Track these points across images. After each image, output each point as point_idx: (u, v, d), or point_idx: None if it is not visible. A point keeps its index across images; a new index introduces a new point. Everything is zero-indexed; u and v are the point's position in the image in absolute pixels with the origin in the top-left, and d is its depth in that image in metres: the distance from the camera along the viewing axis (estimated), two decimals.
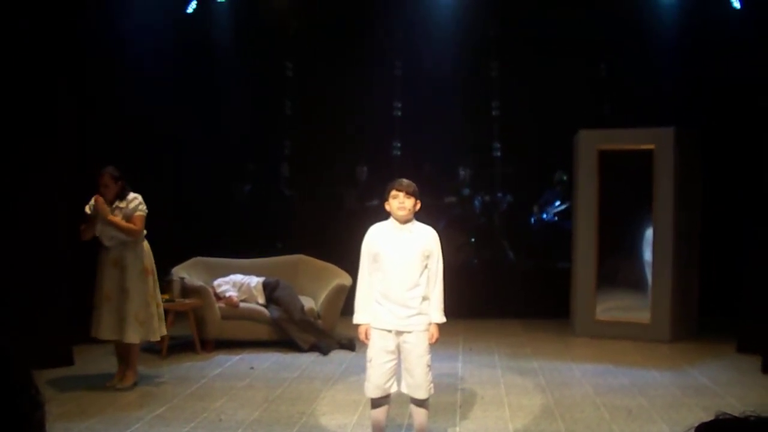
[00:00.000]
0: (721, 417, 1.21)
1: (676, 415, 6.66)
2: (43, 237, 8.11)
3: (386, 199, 5.50)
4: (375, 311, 5.45)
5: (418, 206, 5.48)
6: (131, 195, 7.54)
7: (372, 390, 5.48)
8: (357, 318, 5.55)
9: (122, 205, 7.46)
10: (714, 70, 10.18)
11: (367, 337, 5.48)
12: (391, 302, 5.39)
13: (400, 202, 5.40)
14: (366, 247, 5.54)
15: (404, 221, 5.45)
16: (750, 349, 8.89)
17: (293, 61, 12.24)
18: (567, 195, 11.73)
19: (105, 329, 7.38)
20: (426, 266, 5.44)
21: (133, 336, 7.39)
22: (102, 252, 7.47)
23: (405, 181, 5.49)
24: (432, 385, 5.52)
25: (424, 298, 5.43)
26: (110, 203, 7.44)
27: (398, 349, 5.44)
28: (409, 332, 5.39)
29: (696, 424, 1.27)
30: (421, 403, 5.51)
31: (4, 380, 1.18)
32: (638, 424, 6.49)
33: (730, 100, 10.05)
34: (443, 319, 5.50)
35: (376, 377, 5.42)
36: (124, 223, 7.41)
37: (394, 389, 5.50)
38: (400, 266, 5.38)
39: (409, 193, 5.40)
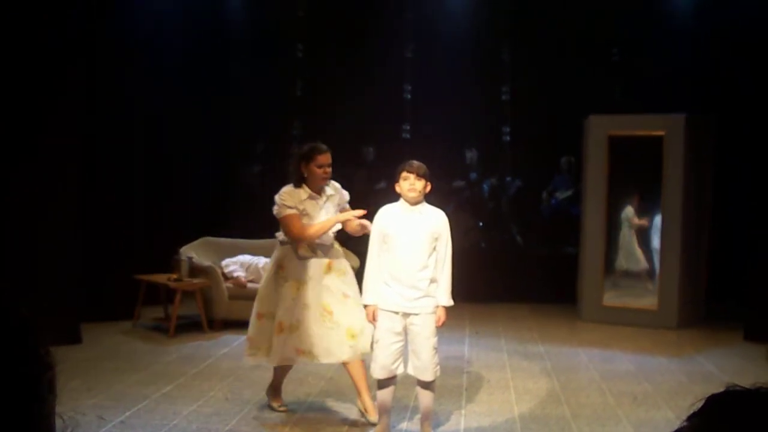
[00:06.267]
0: (731, 389, 1.22)
1: (681, 401, 6.65)
2: (51, 215, 8.12)
3: (397, 181, 5.48)
4: (383, 292, 5.44)
5: (429, 188, 5.46)
6: (335, 183, 6.24)
7: (378, 371, 5.48)
8: (364, 299, 5.55)
9: (332, 192, 6.13)
10: (729, 56, 10.11)
11: (374, 319, 5.49)
12: (399, 284, 5.37)
13: (410, 183, 5.38)
14: (375, 228, 5.53)
15: (414, 203, 5.43)
16: (757, 337, 8.87)
17: (304, 43, 12.20)
18: (575, 181, 11.69)
19: (337, 349, 5.93)
20: (435, 249, 5.43)
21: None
22: (309, 262, 5.99)
23: (416, 162, 5.45)
24: (438, 367, 5.51)
25: (432, 281, 5.41)
26: (324, 189, 6.10)
27: (405, 331, 5.44)
28: (416, 314, 5.38)
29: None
30: (427, 386, 5.51)
31: (12, 339, 1.18)
32: (643, 409, 6.51)
33: (745, 86, 9.96)
34: (450, 303, 5.48)
35: (383, 358, 5.43)
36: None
37: (400, 371, 5.51)
38: (409, 248, 5.37)
39: (419, 175, 5.38)
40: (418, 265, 5.37)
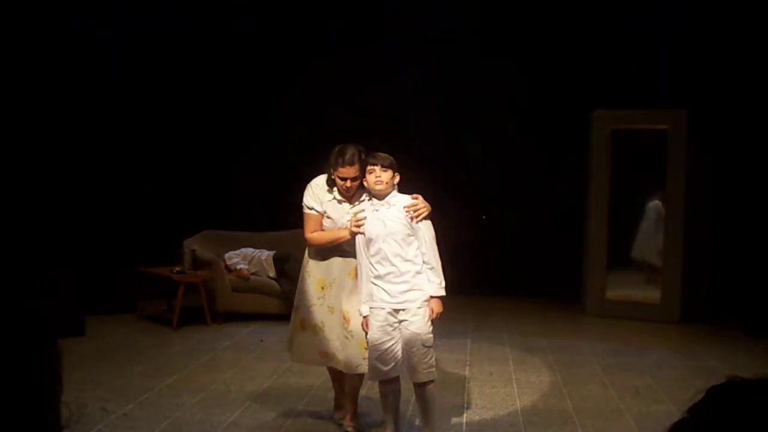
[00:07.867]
0: (732, 380, 1.22)
1: (683, 395, 6.58)
2: (54, 208, 8.14)
3: (363, 176, 5.23)
4: (372, 292, 5.17)
5: (398, 179, 5.20)
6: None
7: (373, 373, 5.24)
8: (361, 310, 5.26)
9: (364, 198, 5.51)
10: (729, 54, 10.08)
11: (367, 326, 5.21)
12: (383, 280, 5.11)
13: (376, 176, 5.11)
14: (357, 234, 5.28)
15: (383, 196, 5.18)
16: (760, 332, 8.87)
17: (306, 35, 12.17)
18: (577, 174, 11.65)
19: (355, 362, 5.46)
20: (414, 238, 5.15)
21: None
22: (335, 262, 5.58)
23: (381, 154, 5.18)
24: (433, 369, 5.20)
25: (418, 273, 5.13)
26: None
27: (398, 330, 5.14)
28: (404, 309, 5.10)
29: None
30: (423, 388, 5.23)
31: (19, 330, 1.19)
32: (645, 403, 6.51)
33: (742, 85, 9.92)
34: (441, 292, 5.14)
35: (377, 360, 5.16)
36: None
37: (395, 374, 5.22)
38: (387, 242, 5.11)
39: (385, 166, 5.12)
40: (399, 257, 5.09)
